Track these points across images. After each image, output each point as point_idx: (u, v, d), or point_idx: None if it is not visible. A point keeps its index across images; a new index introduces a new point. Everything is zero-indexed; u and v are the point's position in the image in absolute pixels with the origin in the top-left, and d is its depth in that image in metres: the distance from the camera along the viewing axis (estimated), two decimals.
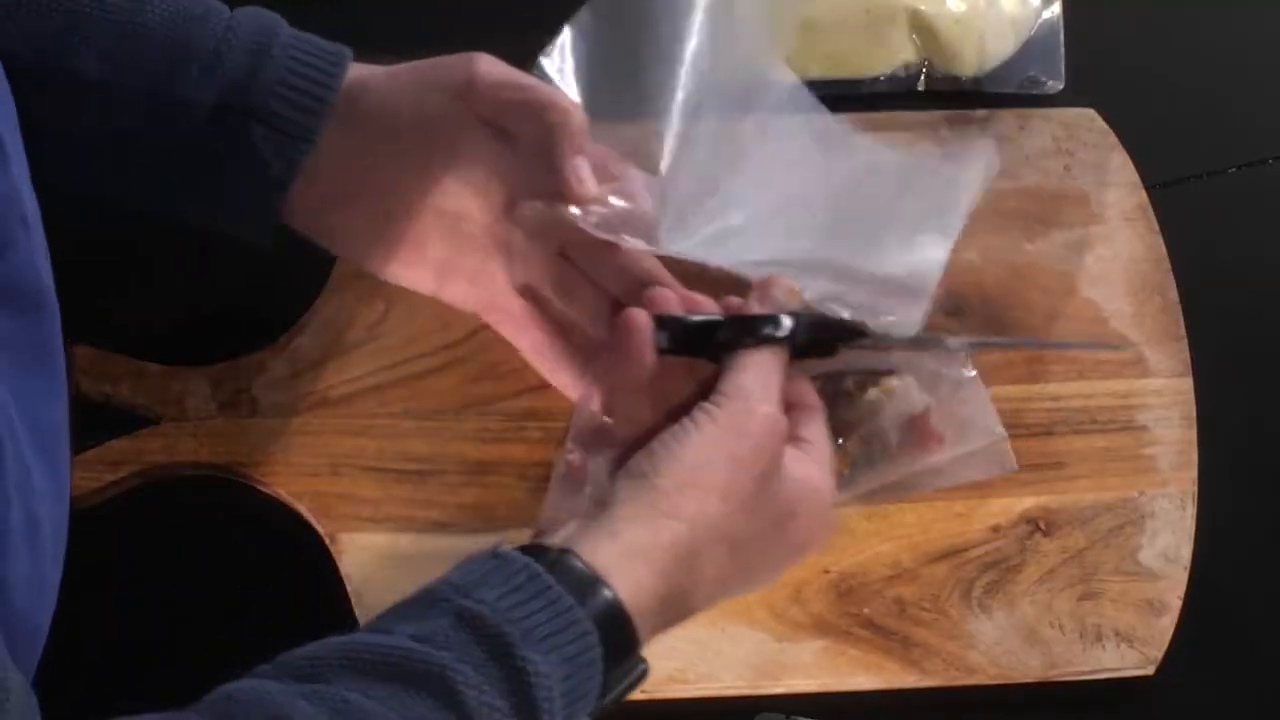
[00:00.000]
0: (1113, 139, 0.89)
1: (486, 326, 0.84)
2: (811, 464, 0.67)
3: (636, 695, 0.76)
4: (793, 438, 0.67)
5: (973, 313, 0.85)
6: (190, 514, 0.82)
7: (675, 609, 0.63)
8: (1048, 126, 0.89)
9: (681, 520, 0.62)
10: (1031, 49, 0.92)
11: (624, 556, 0.60)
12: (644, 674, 0.62)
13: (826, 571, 0.79)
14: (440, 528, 0.80)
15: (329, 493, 0.80)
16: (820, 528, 0.68)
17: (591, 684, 0.58)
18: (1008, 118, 0.89)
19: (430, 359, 0.83)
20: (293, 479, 0.80)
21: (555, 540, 0.61)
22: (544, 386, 0.82)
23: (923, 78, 0.91)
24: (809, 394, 0.70)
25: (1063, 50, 0.91)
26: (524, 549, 0.60)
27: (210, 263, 0.88)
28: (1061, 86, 0.91)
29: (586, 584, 0.59)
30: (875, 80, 0.91)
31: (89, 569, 0.81)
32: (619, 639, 0.59)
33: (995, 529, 0.80)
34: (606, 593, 0.59)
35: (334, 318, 0.84)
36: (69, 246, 0.87)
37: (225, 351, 0.83)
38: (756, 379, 0.66)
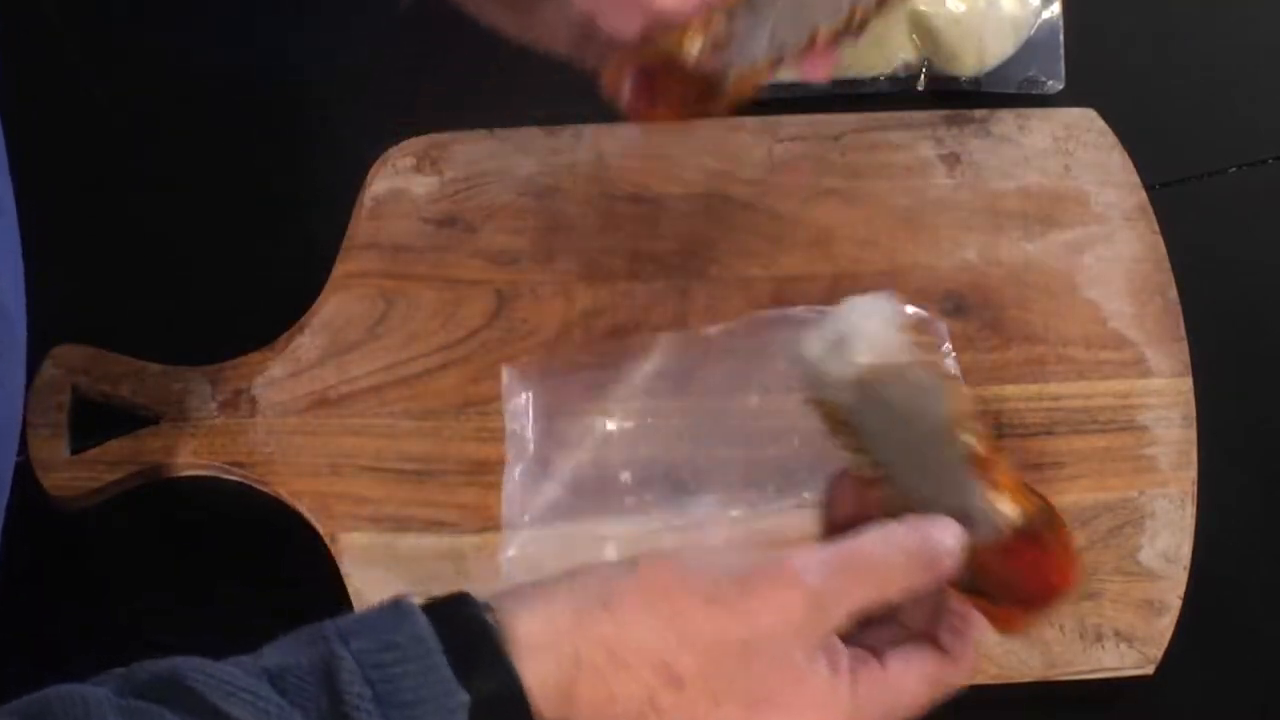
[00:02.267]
0: (1113, 139, 0.89)
1: (487, 326, 0.84)
2: (845, 686, 0.56)
3: None
4: (871, 650, 0.57)
5: (973, 312, 0.85)
6: (190, 514, 0.82)
7: (591, 714, 0.54)
8: (1048, 126, 0.89)
9: (615, 618, 0.54)
10: (1031, 49, 0.92)
11: (538, 631, 0.54)
12: None
13: None
14: (440, 528, 0.80)
15: (329, 493, 0.80)
16: None
17: None
18: (1008, 118, 0.89)
19: (430, 359, 0.83)
20: (293, 479, 0.80)
21: (488, 597, 0.55)
22: None
23: (922, 78, 0.91)
24: (957, 634, 0.58)
25: (1063, 50, 0.92)
26: (443, 598, 0.55)
27: (210, 263, 0.88)
28: (1061, 86, 0.91)
29: (483, 642, 0.53)
30: (875, 80, 0.91)
31: (89, 569, 0.82)
32: (504, 712, 0.53)
33: None
34: (504, 660, 0.53)
35: (334, 318, 0.84)
36: (69, 246, 0.88)
37: (225, 351, 0.83)
38: (837, 551, 0.56)
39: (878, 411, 0.58)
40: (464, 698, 0.52)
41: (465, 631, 0.53)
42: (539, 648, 0.53)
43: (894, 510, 0.58)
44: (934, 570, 0.57)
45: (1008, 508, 0.58)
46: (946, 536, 0.57)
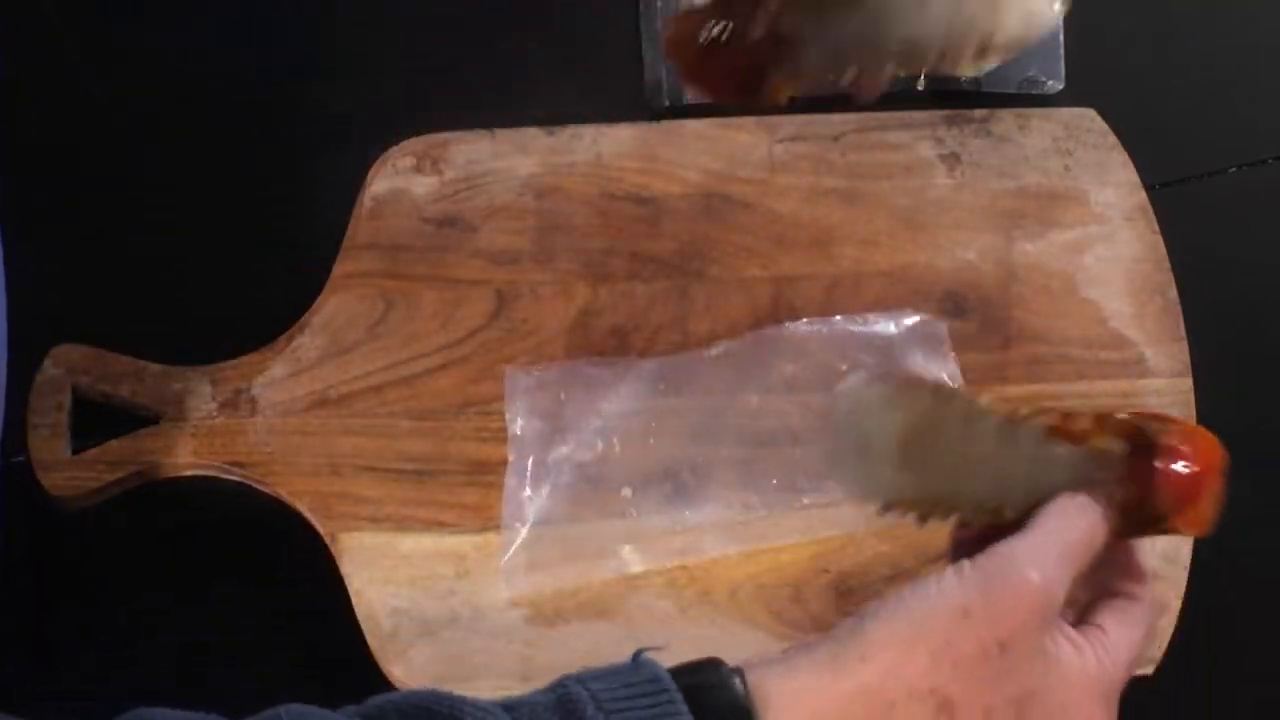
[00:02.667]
0: (1113, 139, 0.89)
1: (487, 326, 0.84)
2: (1090, 655, 0.57)
3: None
4: (1083, 623, 0.59)
5: (972, 312, 0.85)
6: (190, 514, 0.82)
7: None
8: (1048, 126, 0.89)
9: (873, 665, 0.55)
10: (1031, 49, 0.92)
11: (793, 693, 0.54)
12: None
13: (826, 571, 0.79)
14: (440, 528, 0.80)
15: (329, 493, 0.80)
16: None
17: None
18: (1008, 118, 0.89)
19: (430, 359, 0.83)
20: (293, 479, 0.80)
21: (730, 662, 0.55)
22: None
23: (922, 78, 0.91)
24: (1134, 579, 0.61)
25: (1063, 50, 0.91)
26: (685, 666, 0.55)
27: (210, 262, 0.88)
28: (1061, 86, 0.91)
29: (732, 708, 0.53)
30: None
31: (89, 569, 0.82)
32: None
33: None
34: (741, 703, 0.53)
35: (334, 318, 0.84)
36: (69, 246, 0.88)
37: (225, 351, 0.83)
38: (1038, 539, 0.58)
39: (936, 467, 0.60)
40: None
41: (704, 683, 0.54)
42: (795, 707, 0.54)
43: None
44: (1098, 538, 0.59)
45: (1109, 444, 0.59)
46: (1085, 504, 0.59)
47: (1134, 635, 0.59)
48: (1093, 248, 0.86)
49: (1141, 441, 0.59)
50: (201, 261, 0.88)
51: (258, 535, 0.82)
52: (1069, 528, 0.58)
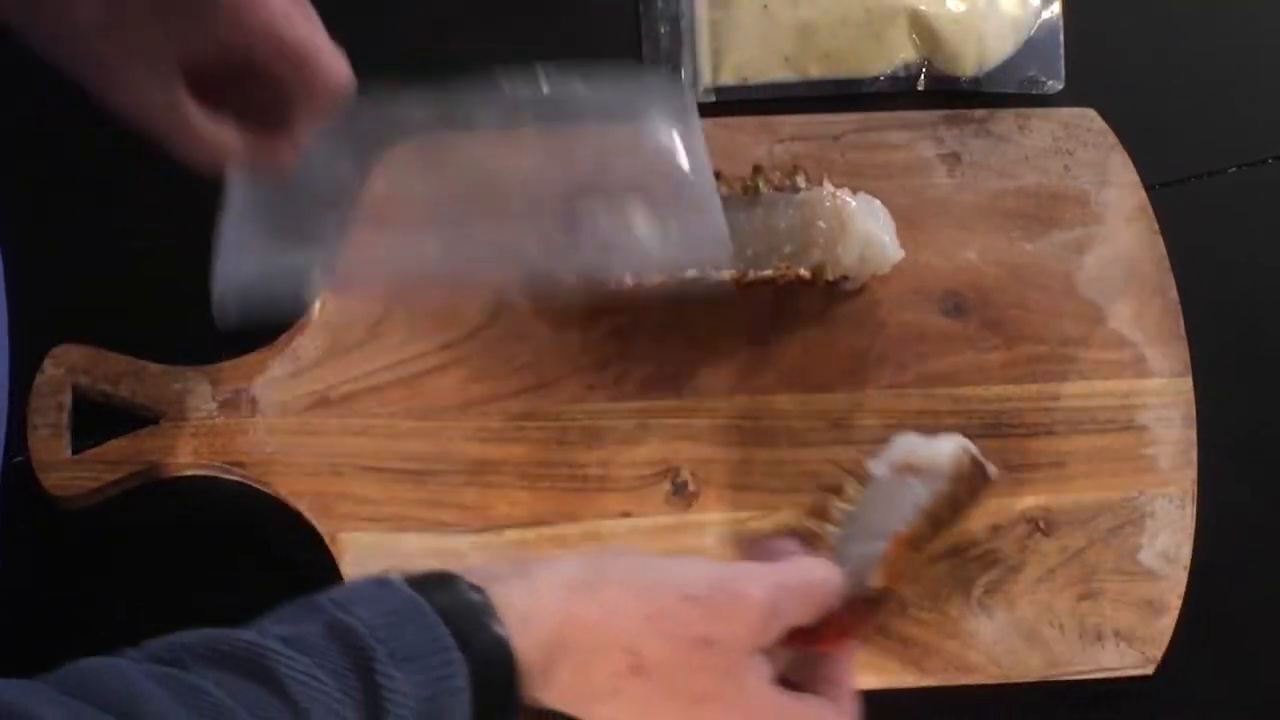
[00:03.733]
0: (1113, 139, 0.88)
1: (487, 326, 0.84)
2: (771, 698, 0.61)
3: None
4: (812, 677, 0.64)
5: (973, 312, 0.85)
6: (190, 514, 0.82)
7: (562, 688, 0.59)
8: (1047, 126, 0.89)
9: (600, 602, 0.59)
10: (1031, 49, 0.92)
11: (535, 612, 0.58)
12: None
13: None
14: (440, 528, 0.80)
15: (329, 493, 0.80)
16: None
17: (457, 712, 0.55)
18: (1008, 118, 0.89)
19: (430, 359, 0.83)
20: (293, 479, 0.80)
21: (469, 575, 0.59)
22: (544, 386, 0.83)
23: (922, 77, 0.91)
24: (838, 686, 0.64)
25: (1063, 50, 0.91)
26: (426, 575, 0.58)
27: (211, 262, 0.88)
28: (1061, 86, 0.91)
29: (474, 613, 0.57)
30: (875, 80, 0.91)
31: (89, 569, 0.82)
32: (497, 675, 0.56)
33: (995, 528, 0.80)
34: (495, 629, 0.56)
35: (334, 318, 0.84)
36: (70, 246, 0.88)
37: (225, 351, 0.83)
38: (777, 571, 0.62)
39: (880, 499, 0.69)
40: (460, 656, 0.55)
41: (455, 603, 0.57)
42: (526, 621, 0.57)
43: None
44: (825, 602, 0.63)
45: (879, 578, 0.66)
46: (831, 574, 0.64)
47: (807, 714, 0.62)
48: (1092, 248, 0.86)
49: (876, 598, 0.66)
50: (201, 261, 0.88)
51: (258, 535, 0.82)
52: (808, 573, 0.63)
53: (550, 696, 0.59)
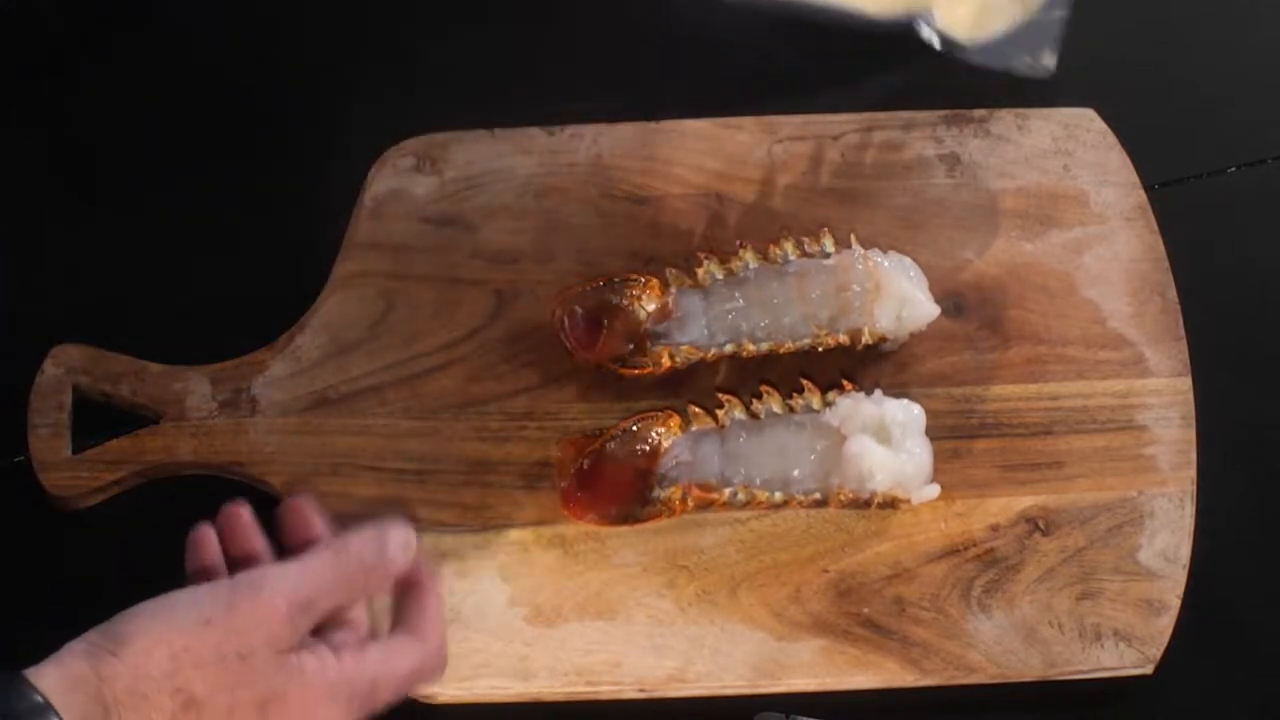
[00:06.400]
0: (1112, 139, 0.89)
1: (487, 326, 0.84)
2: (333, 666, 0.63)
3: (635, 695, 0.77)
4: (350, 637, 0.66)
5: (972, 312, 0.85)
6: (190, 514, 0.82)
7: None
8: (1047, 126, 0.89)
9: (122, 658, 0.60)
10: (1030, 31, 0.91)
11: (64, 684, 0.59)
12: None
13: (826, 571, 0.79)
14: (440, 528, 0.80)
15: (329, 493, 0.80)
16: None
17: None
18: (1007, 118, 0.89)
19: (430, 359, 0.83)
20: (293, 479, 0.81)
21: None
22: (544, 386, 0.83)
23: (921, 27, 0.90)
24: (420, 618, 0.68)
25: (1058, 37, 0.90)
26: None
27: (211, 262, 0.88)
28: (1052, 69, 0.90)
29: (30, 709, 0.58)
30: (870, 20, 0.90)
31: (89, 568, 0.82)
32: None
33: (994, 528, 0.80)
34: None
35: (334, 318, 0.84)
36: (69, 246, 0.88)
37: (225, 351, 0.83)
38: (296, 571, 0.65)
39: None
40: None
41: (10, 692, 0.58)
42: (66, 692, 0.58)
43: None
44: (386, 573, 0.66)
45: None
46: (397, 541, 0.67)
47: (390, 658, 0.65)
48: (1092, 247, 0.86)
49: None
50: (202, 261, 0.88)
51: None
52: (334, 565, 0.65)
53: None
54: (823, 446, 0.79)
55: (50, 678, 0.59)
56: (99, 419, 0.82)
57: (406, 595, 0.68)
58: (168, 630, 0.61)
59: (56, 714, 0.58)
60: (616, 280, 0.82)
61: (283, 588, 0.63)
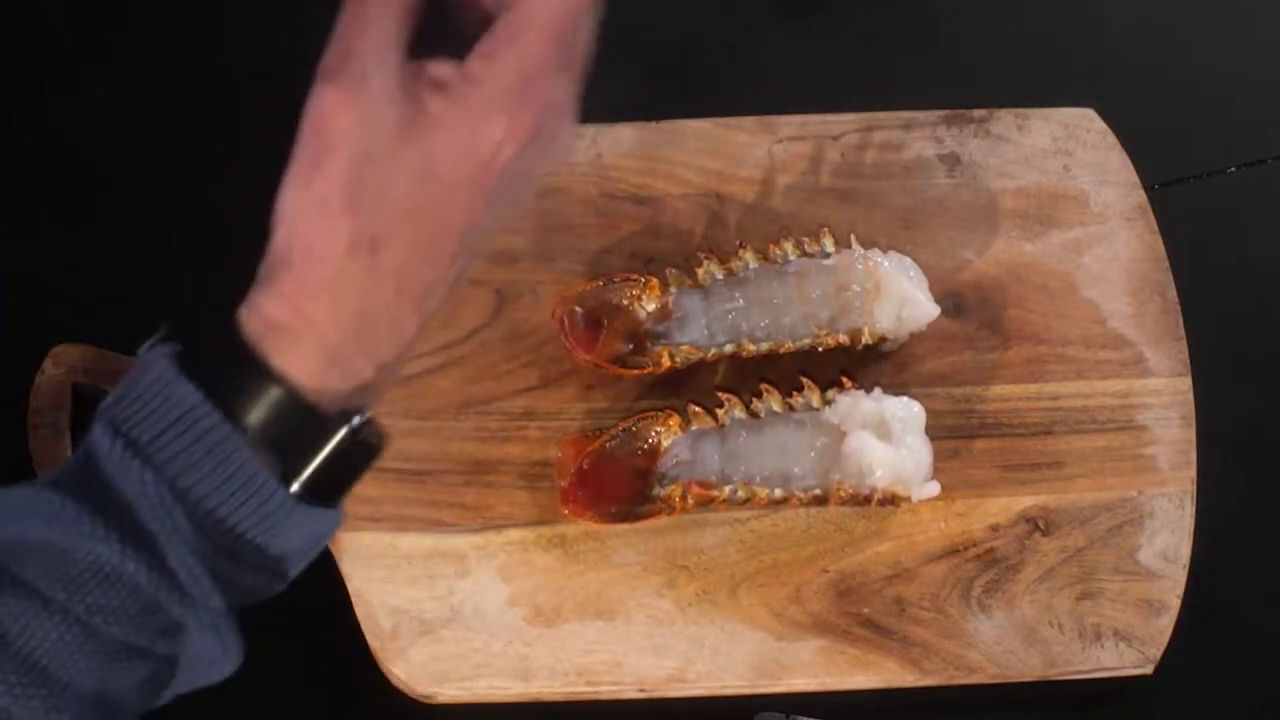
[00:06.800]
0: (1112, 139, 0.89)
1: (487, 326, 0.84)
2: (455, 109, 0.55)
3: (635, 695, 0.77)
4: (431, 81, 0.56)
5: (972, 312, 0.85)
6: None
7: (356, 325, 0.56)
8: (1047, 126, 0.89)
9: (287, 264, 0.56)
10: None
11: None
12: (361, 431, 0.58)
13: (826, 571, 0.79)
14: (440, 527, 0.80)
15: None
16: (469, 177, 0.56)
17: (241, 475, 0.54)
18: (1007, 118, 0.89)
19: (430, 359, 0.83)
20: None
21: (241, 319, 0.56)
22: (544, 386, 0.83)
23: None
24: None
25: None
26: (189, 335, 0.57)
27: (211, 262, 0.88)
28: None
29: (243, 377, 0.55)
30: None
31: None
32: (292, 418, 0.55)
33: (994, 528, 0.80)
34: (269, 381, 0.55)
35: None
36: (69, 246, 0.88)
37: None
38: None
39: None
40: (222, 424, 0.54)
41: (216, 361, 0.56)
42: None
43: None
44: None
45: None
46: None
47: (530, 38, 0.56)
48: (1092, 247, 0.86)
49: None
50: (203, 261, 0.88)
51: None
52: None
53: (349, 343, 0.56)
54: (823, 444, 0.79)
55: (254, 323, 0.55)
56: None
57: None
58: (290, 211, 0.57)
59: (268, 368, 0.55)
60: (616, 280, 0.82)
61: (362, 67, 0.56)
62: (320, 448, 0.57)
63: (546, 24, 0.56)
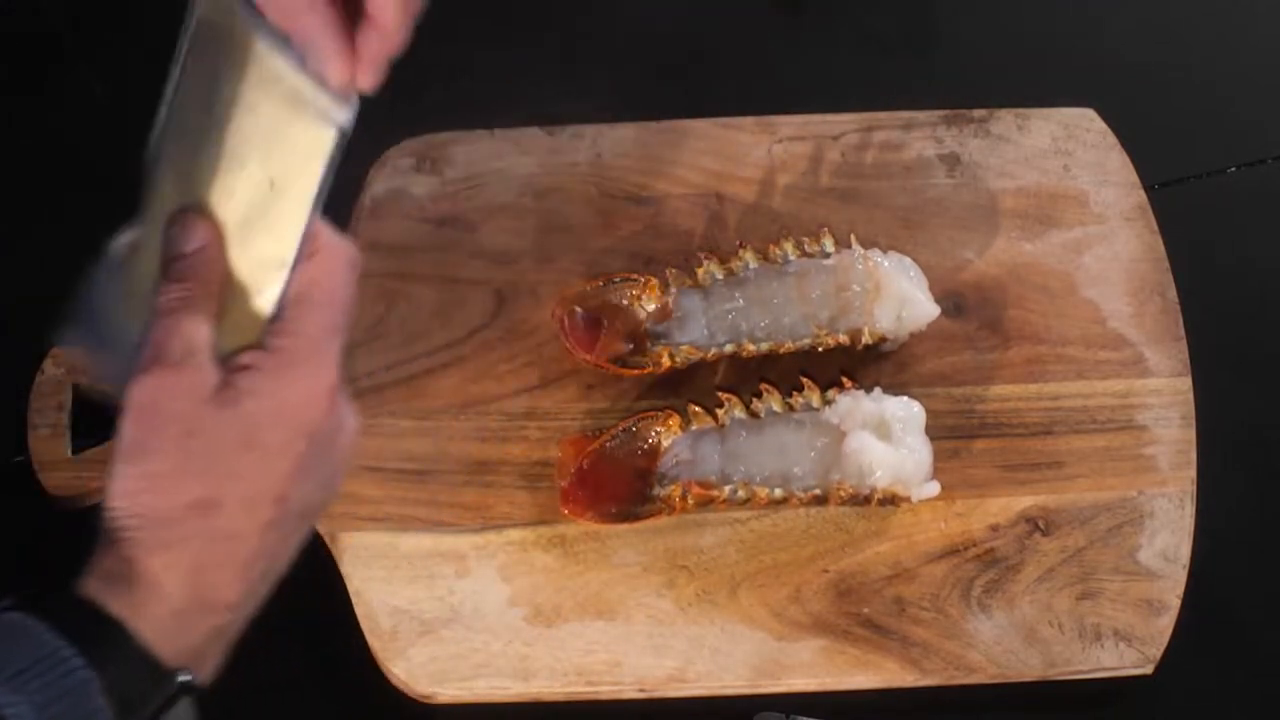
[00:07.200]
0: (1112, 139, 0.89)
1: (487, 326, 0.84)
2: (263, 378, 0.61)
3: (635, 695, 0.77)
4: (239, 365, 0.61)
5: (972, 312, 0.85)
6: None
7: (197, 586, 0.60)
8: (1047, 126, 0.89)
9: (131, 516, 0.61)
10: None
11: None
12: (187, 687, 0.59)
13: (826, 571, 0.79)
14: (440, 527, 0.80)
15: None
16: (289, 439, 0.61)
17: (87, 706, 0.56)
18: (1007, 118, 0.89)
19: (430, 359, 0.83)
20: None
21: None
22: (544, 386, 0.83)
23: None
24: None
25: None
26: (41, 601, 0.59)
27: None
28: None
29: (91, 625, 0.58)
30: None
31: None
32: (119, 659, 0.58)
33: (994, 528, 0.80)
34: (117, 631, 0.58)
35: None
36: (69, 246, 0.88)
37: None
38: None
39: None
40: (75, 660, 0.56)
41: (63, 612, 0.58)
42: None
43: None
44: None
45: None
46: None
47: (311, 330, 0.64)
48: (1092, 247, 0.86)
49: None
50: None
51: None
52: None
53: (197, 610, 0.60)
54: (823, 443, 0.79)
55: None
56: (99, 419, 0.82)
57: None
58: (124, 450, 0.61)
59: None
60: (616, 280, 0.82)
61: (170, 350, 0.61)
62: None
63: (331, 300, 0.65)
